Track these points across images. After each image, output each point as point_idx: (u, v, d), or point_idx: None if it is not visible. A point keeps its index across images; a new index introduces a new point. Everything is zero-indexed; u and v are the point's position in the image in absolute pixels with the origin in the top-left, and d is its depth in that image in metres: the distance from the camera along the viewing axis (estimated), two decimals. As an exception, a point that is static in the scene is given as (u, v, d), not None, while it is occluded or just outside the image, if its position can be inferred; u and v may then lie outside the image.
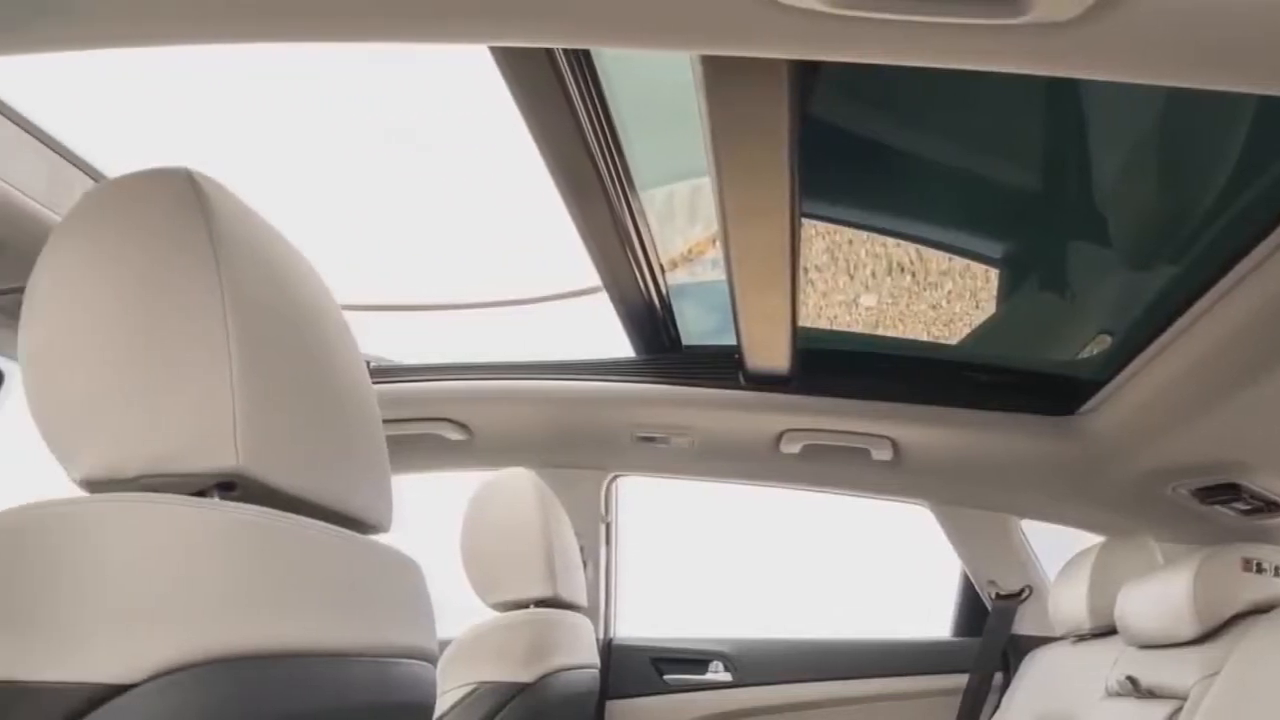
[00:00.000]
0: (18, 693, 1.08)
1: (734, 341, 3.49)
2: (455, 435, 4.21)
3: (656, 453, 4.19)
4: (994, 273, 3.07)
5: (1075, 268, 3.08)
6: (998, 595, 4.23)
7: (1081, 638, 3.64)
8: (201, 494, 1.29)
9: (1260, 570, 3.08)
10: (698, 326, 3.80)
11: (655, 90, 2.49)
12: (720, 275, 3.04)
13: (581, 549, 3.80)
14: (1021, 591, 4.21)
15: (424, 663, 1.66)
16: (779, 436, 3.91)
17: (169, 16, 1.73)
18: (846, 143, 2.59)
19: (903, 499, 4.30)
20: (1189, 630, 2.99)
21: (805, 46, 1.68)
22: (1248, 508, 3.36)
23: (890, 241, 2.97)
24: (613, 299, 3.49)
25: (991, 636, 4.19)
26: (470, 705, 3.02)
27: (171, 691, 1.13)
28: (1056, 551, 4.12)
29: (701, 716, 4.26)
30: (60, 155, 2.64)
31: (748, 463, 4.13)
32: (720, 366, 3.83)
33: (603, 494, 4.43)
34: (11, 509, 1.16)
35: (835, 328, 3.51)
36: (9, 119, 2.45)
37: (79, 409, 1.29)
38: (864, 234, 2.95)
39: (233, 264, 1.32)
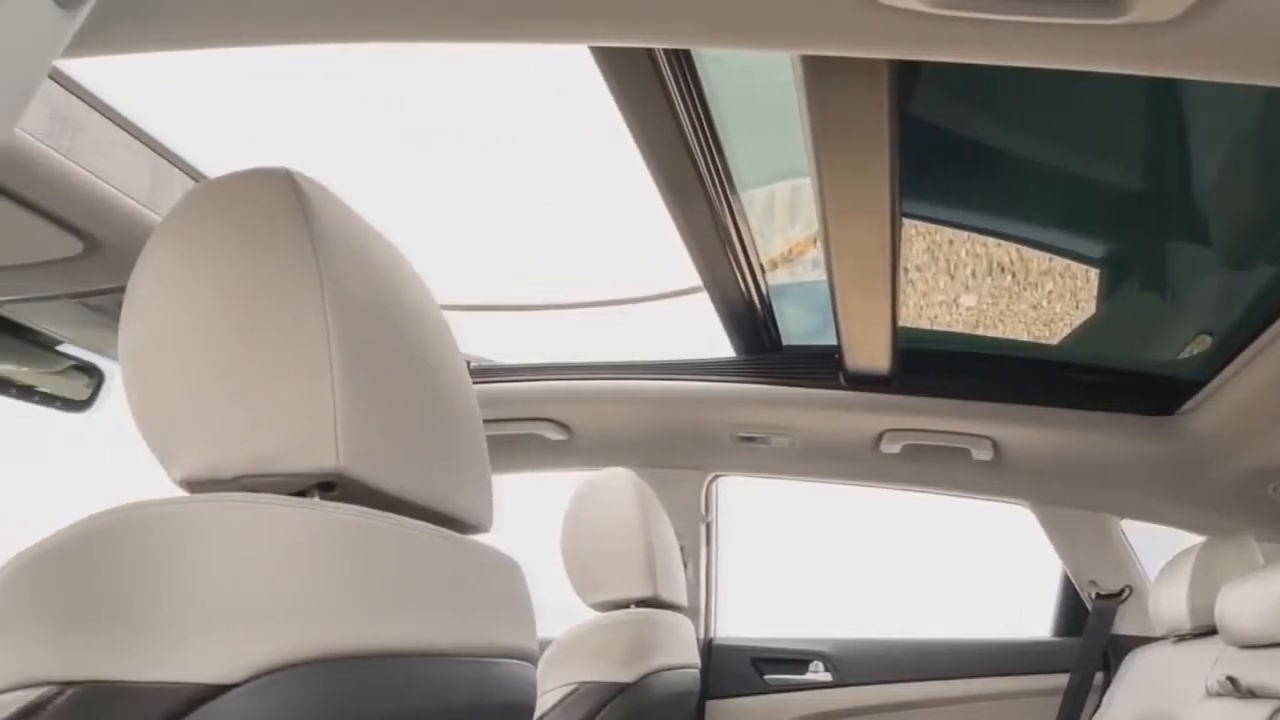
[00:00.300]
0: (118, 693, 1.08)
1: (834, 341, 3.51)
2: (556, 435, 4.23)
3: (757, 453, 4.20)
4: (1094, 273, 3.07)
5: (1175, 268, 3.08)
6: (1098, 595, 4.20)
7: (1182, 638, 3.61)
8: (302, 494, 1.29)
9: (1361, 569, 3.05)
10: (798, 326, 3.81)
11: (756, 90, 2.50)
12: (821, 275, 3.05)
13: (682, 549, 3.79)
14: (1122, 591, 4.18)
15: (524, 663, 1.66)
16: (879, 436, 3.91)
17: (267, 17, 1.76)
18: (947, 142, 2.59)
19: (1003, 499, 4.28)
20: (1290, 630, 2.97)
21: (905, 46, 1.69)
22: (1349, 507, 3.34)
23: (991, 241, 2.97)
24: (713, 299, 3.51)
25: (1092, 636, 4.16)
26: (570, 705, 3.02)
27: (272, 691, 1.13)
28: (1157, 551, 4.09)
29: (801, 716, 4.25)
30: (161, 155, 2.66)
31: (848, 463, 4.14)
32: (820, 366, 3.83)
33: (703, 494, 4.42)
34: (111, 509, 1.15)
35: (936, 328, 3.51)
36: (110, 120, 2.48)
37: (179, 409, 1.29)
38: (964, 234, 2.95)
39: (333, 263, 1.32)
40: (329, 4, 1.73)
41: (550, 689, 3.06)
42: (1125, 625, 4.15)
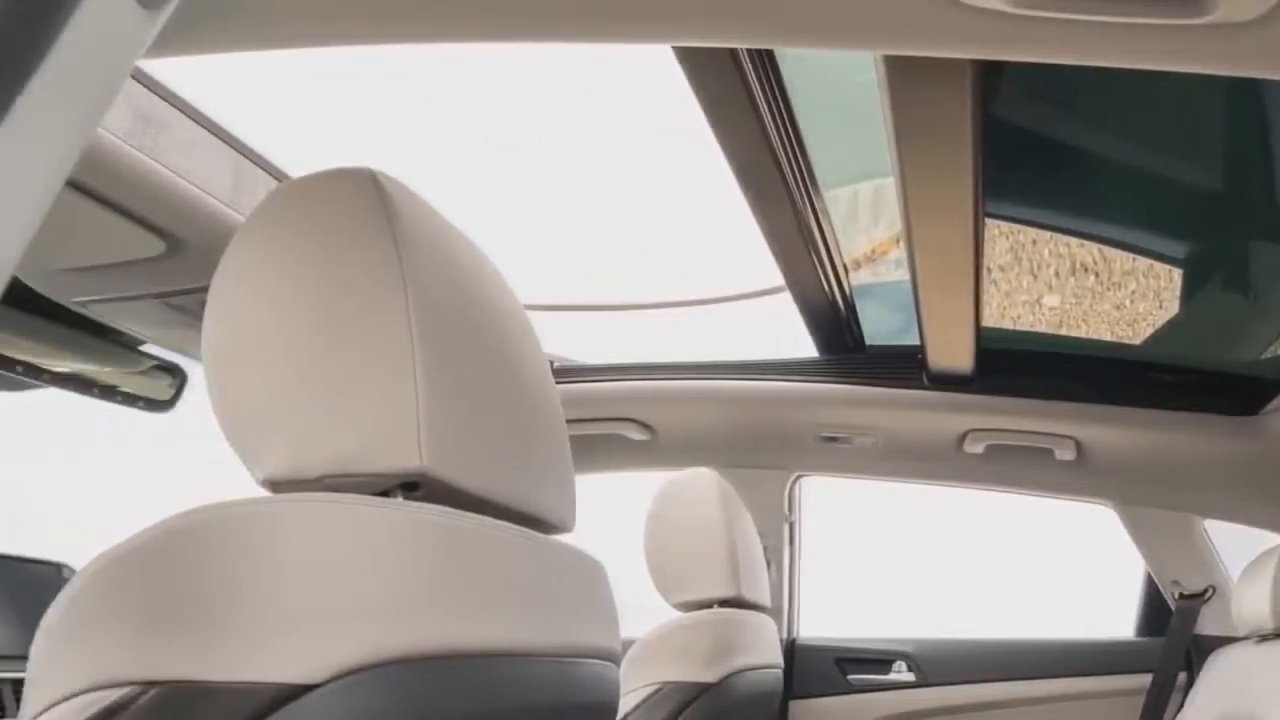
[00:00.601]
0: (200, 693, 1.09)
1: (917, 341, 3.52)
2: (638, 435, 4.24)
3: (839, 453, 4.20)
4: (1177, 273, 3.07)
5: (1258, 267, 3.07)
6: (1181, 595, 4.17)
7: (1265, 638, 3.59)
8: (385, 494, 1.29)
9: None
10: (881, 326, 3.81)
11: (838, 90, 2.51)
12: (903, 275, 3.06)
13: (765, 549, 3.80)
14: (1205, 591, 4.16)
15: (607, 663, 1.65)
16: (962, 436, 3.92)
17: (349, 17, 1.78)
18: (1029, 142, 2.60)
19: (1085, 499, 4.27)
20: (1372, 630, 2.96)
21: (988, 46, 1.70)
22: None
23: (1073, 242, 2.97)
24: (796, 299, 3.52)
25: (1175, 636, 4.14)
26: (653, 705, 3.03)
27: (355, 691, 1.14)
28: (1240, 551, 4.08)
29: (884, 716, 4.24)
30: (243, 155, 2.67)
31: (931, 463, 4.14)
32: (903, 366, 3.84)
33: (786, 494, 4.43)
34: (194, 509, 1.15)
35: (1019, 327, 3.51)
36: (193, 119, 2.49)
37: (262, 409, 1.29)
38: (1047, 234, 2.95)
39: (416, 263, 1.31)
40: (411, 5, 1.75)
41: (633, 689, 3.07)
42: (1208, 625, 4.12)
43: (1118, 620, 4.43)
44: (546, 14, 1.74)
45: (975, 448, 3.90)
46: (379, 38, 1.87)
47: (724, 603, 3.34)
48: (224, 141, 2.62)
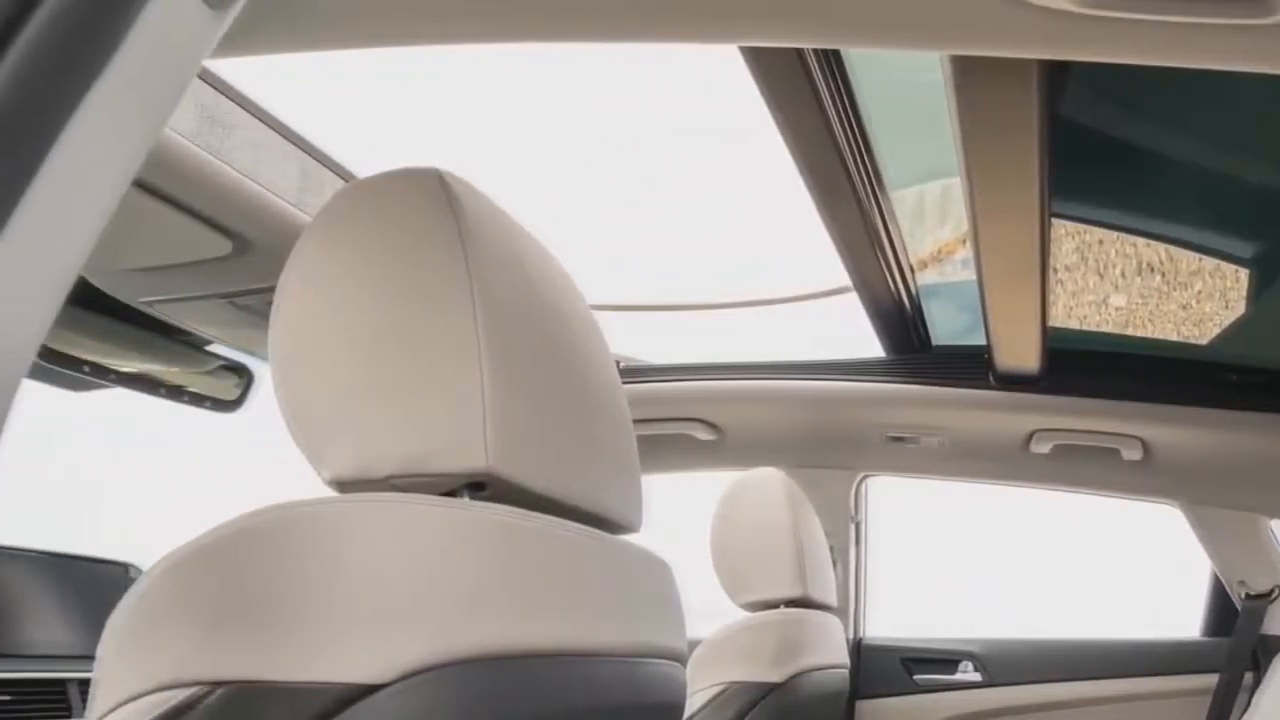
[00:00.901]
0: (267, 693, 1.09)
1: (984, 341, 3.52)
2: (705, 435, 4.25)
3: (906, 453, 4.21)
4: (1244, 273, 3.06)
5: (1326, 267, 3.07)
6: (1247, 595, 4.16)
7: (1333, 637, 3.59)
8: (451, 494, 1.28)
9: None
10: (947, 326, 3.82)
11: (905, 90, 2.51)
12: (970, 275, 3.07)
13: (831, 549, 3.81)
14: (1271, 591, 4.14)
15: (674, 663, 1.64)
16: (1029, 436, 3.91)
17: (416, 17, 1.78)
18: (1096, 142, 2.60)
19: (1152, 499, 4.26)
20: None
21: (1055, 46, 1.71)
22: None
23: (1140, 241, 2.97)
24: (862, 299, 3.53)
25: (1241, 636, 4.12)
26: (720, 705, 3.04)
27: (422, 691, 1.13)
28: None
29: (951, 716, 4.24)
30: (310, 155, 2.70)
31: (997, 463, 4.14)
32: (970, 366, 3.84)
33: (852, 494, 4.43)
34: (261, 509, 1.16)
35: (1085, 327, 3.51)
36: (259, 119, 2.50)
37: (329, 409, 1.30)
38: (1114, 234, 2.95)
39: (482, 263, 1.31)
40: (478, 4, 1.75)
41: (700, 689, 3.08)
42: (1275, 625, 4.11)
43: (1184, 620, 4.42)
44: (613, 13, 1.75)
45: (1042, 448, 3.90)
46: (445, 38, 1.88)
47: (790, 603, 3.35)
48: (290, 141, 2.63)
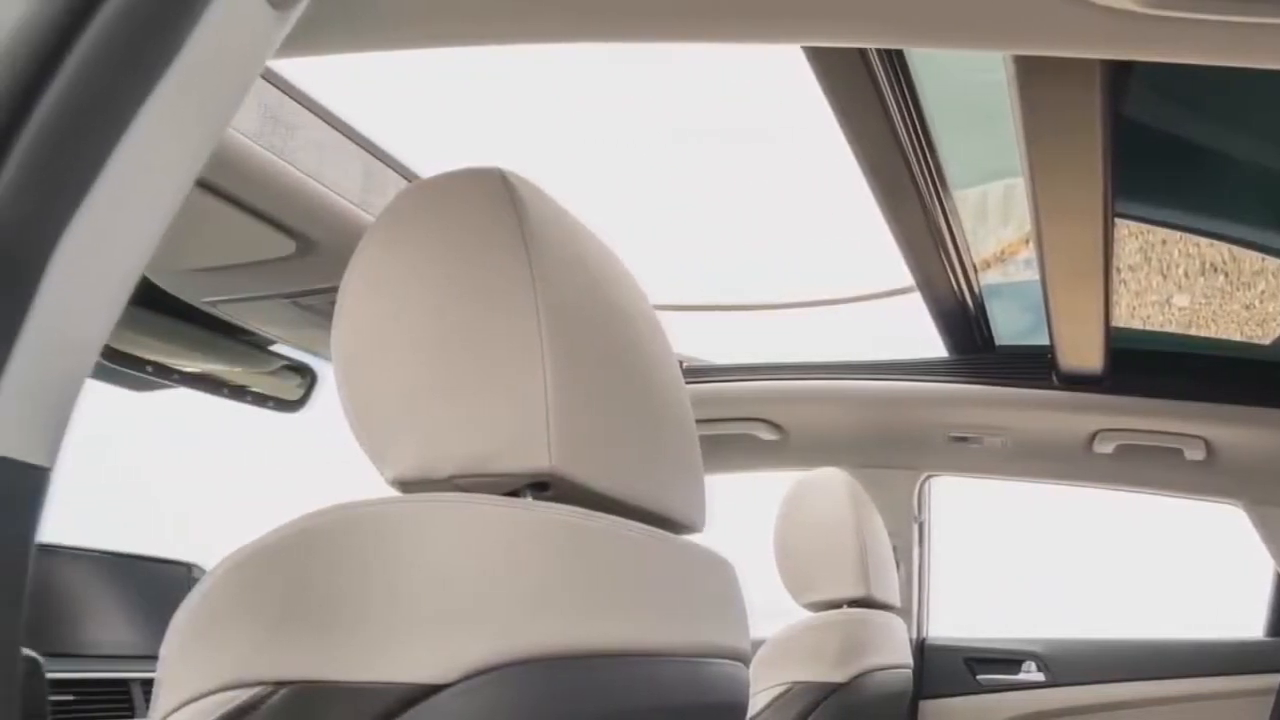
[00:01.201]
0: (330, 693, 1.10)
1: (1047, 341, 3.53)
2: (768, 435, 4.26)
3: (969, 453, 4.21)
4: (1308, 272, 3.06)
5: (1391, 267, 3.06)
6: (1311, 594, 4.17)
7: (1397, 636, 3.58)
8: (514, 494, 1.28)
9: None
10: (1010, 326, 3.82)
11: (967, 90, 2.52)
12: (1033, 275, 3.08)
13: (894, 549, 3.82)
14: (1336, 590, 4.15)
15: (737, 662, 1.63)
16: (1092, 437, 3.91)
17: (478, 18, 1.80)
18: (1160, 142, 2.60)
19: (1214, 499, 4.24)
20: None
21: (1118, 46, 1.72)
22: None
23: (1203, 241, 2.96)
24: (925, 299, 3.54)
25: (1304, 636, 4.13)
26: (783, 705, 3.04)
27: (486, 691, 1.13)
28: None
29: (1014, 717, 4.23)
30: (373, 155, 2.70)
31: (1060, 463, 4.13)
32: (1033, 366, 3.85)
33: (915, 494, 4.43)
34: (324, 510, 1.16)
35: (1148, 327, 3.51)
36: (323, 120, 2.51)
37: (392, 409, 1.29)
38: (1177, 234, 2.95)
39: (545, 263, 1.30)
40: (542, 4, 1.77)
41: (763, 689, 3.08)
42: (1339, 623, 4.11)
43: (1247, 620, 4.40)
44: (678, 14, 1.76)
45: (1105, 448, 3.90)
46: (508, 37, 1.90)
47: (854, 603, 3.35)
48: (354, 141, 2.65)
